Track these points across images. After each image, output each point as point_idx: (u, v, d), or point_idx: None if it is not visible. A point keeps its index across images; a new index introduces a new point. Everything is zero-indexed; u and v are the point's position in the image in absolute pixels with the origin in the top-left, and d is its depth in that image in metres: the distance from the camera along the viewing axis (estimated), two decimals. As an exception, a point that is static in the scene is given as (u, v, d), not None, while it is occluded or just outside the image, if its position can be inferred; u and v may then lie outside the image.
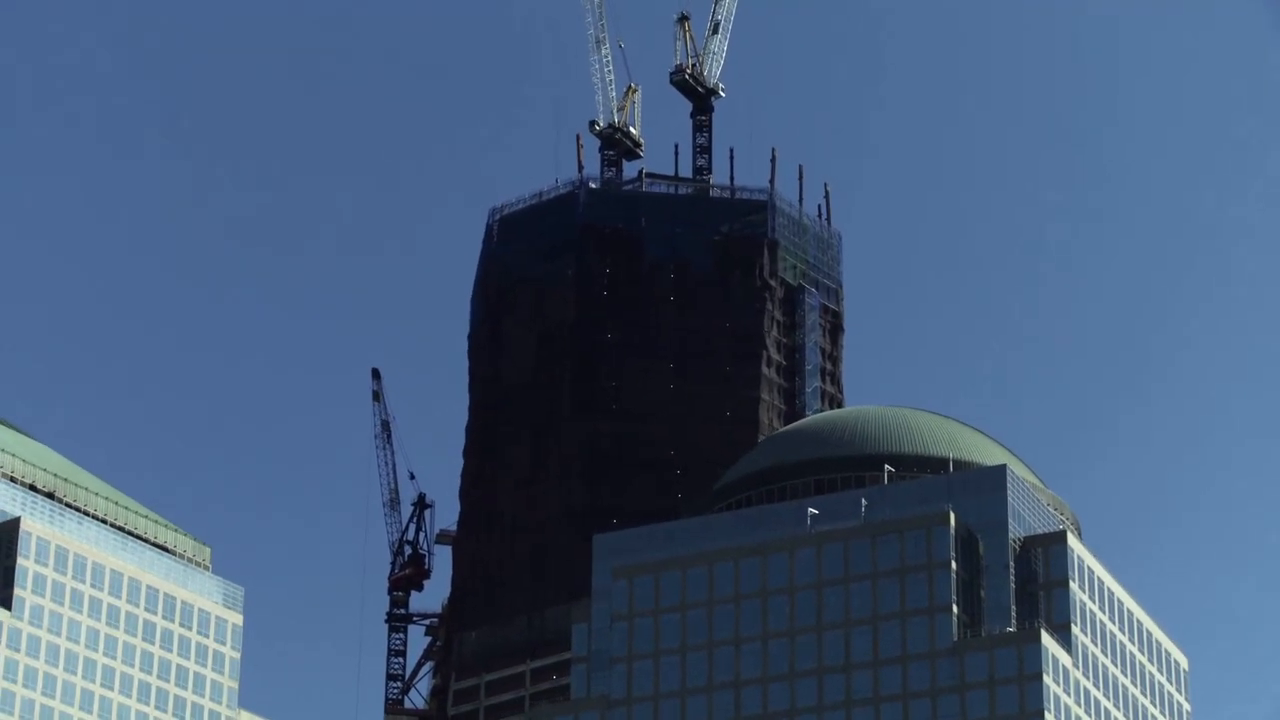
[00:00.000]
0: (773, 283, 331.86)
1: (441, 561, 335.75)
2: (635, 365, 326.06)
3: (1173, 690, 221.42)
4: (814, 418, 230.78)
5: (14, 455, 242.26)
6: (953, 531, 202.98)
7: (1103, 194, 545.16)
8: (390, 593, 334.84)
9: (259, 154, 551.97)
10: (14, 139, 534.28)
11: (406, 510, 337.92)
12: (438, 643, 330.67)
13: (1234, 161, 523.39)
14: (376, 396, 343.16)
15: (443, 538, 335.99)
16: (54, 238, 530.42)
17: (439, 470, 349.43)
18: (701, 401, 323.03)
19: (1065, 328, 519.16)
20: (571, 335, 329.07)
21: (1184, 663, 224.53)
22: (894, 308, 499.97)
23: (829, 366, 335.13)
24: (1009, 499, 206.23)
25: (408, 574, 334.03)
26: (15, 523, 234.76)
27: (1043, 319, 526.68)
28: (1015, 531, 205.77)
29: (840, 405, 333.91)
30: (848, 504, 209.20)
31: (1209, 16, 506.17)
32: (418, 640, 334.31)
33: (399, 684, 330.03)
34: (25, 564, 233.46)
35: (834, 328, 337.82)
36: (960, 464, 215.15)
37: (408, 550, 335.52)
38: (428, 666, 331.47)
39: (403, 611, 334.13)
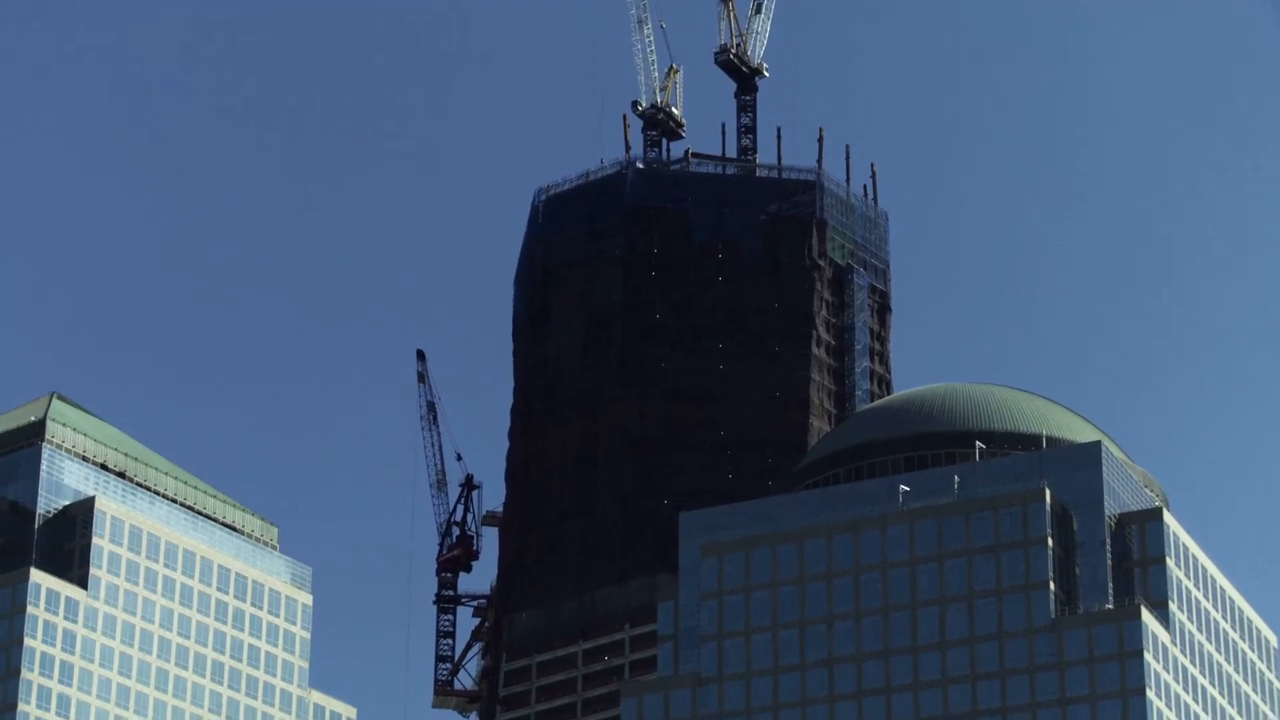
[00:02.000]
0: (821, 263, 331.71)
1: (489, 543, 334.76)
2: (684, 346, 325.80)
3: (1264, 669, 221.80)
4: (901, 394, 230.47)
5: (86, 435, 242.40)
6: (1048, 508, 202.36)
7: (1145, 172, 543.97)
8: (438, 574, 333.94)
9: (311, 138, 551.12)
10: (78, 121, 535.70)
11: (454, 492, 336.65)
12: (486, 624, 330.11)
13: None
14: (422, 378, 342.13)
15: (490, 519, 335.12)
16: (121, 225, 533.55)
17: (485, 452, 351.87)
18: (751, 382, 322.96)
19: (1117, 301, 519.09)
20: (619, 316, 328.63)
21: (1273, 640, 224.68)
22: (941, 287, 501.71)
23: (877, 346, 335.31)
24: (1104, 475, 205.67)
25: (455, 555, 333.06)
26: (90, 502, 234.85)
27: (1093, 294, 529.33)
28: (1110, 508, 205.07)
29: (889, 385, 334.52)
30: (940, 481, 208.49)
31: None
32: (466, 622, 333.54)
33: (448, 665, 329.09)
34: (100, 543, 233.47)
35: (881, 308, 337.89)
36: (1052, 441, 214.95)
37: (455, 532, 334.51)
38: (476, 648, 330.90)
39: (451, 593, 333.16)
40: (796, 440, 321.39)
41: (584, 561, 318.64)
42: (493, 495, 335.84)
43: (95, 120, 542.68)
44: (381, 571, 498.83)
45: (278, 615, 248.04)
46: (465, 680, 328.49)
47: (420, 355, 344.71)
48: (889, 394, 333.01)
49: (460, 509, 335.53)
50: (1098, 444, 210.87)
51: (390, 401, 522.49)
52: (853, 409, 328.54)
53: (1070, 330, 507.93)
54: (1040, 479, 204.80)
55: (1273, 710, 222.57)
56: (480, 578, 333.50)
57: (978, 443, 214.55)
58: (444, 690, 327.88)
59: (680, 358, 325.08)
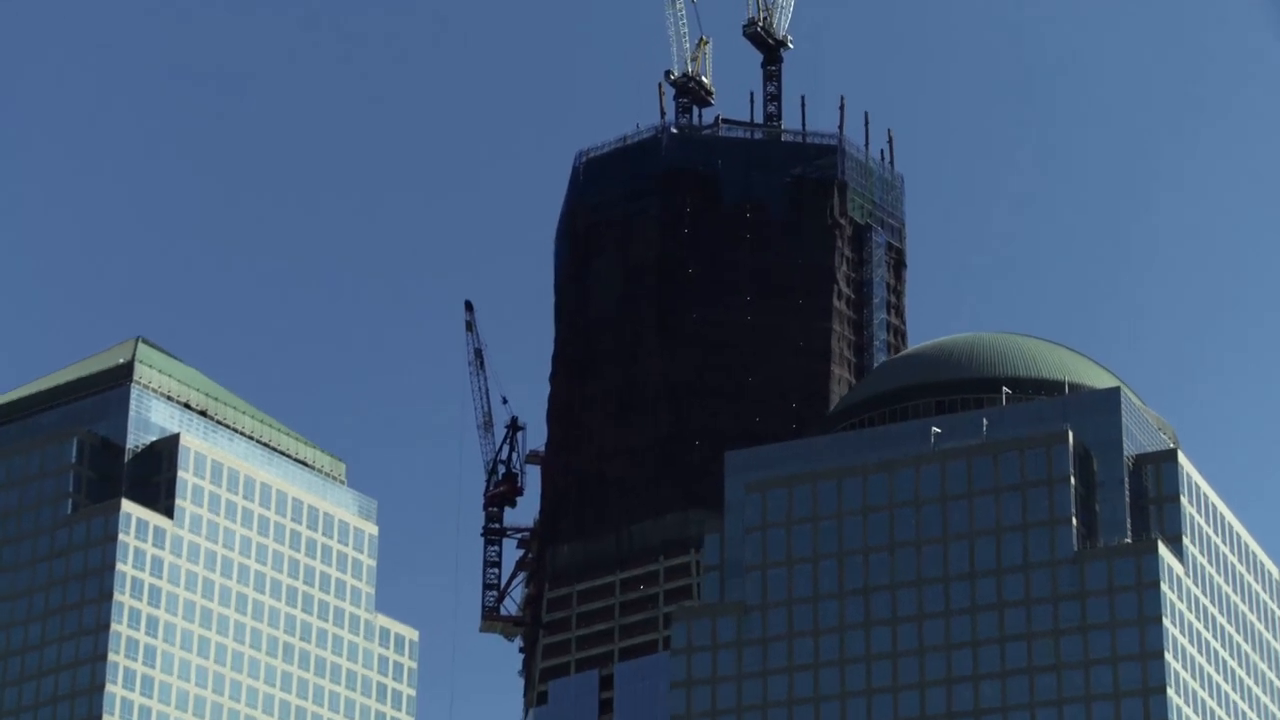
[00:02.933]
0: (842, 222, 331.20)
1: (532, 480, 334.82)
2: (714, 299, 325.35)
3: (1268, 599, 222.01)
4: (931, 343, 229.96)
5: (170, 377, 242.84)
6: (1071, 449, 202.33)
7: (1144, 135, 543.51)
8: (485, 509, 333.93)
9: (376, 105, 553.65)
10: (154, 80, 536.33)
11: (500, 432, 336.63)
12: (529, 555, 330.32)
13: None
14: (469, 327, 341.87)
15: (533, 458, 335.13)
16: (199, 184, 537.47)
17: (529, 395, 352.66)
18: (776, 333, 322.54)
19: (1120, 255, 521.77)
20: (655, 271, 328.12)
21: (1276, 572, 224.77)
22: (952, 245, 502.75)
23: (893, 300, 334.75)
24: (1123, 419, 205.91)
25: (502, 491, 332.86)
26: (175, 438, 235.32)
27: (1095, 250, 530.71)
28: (1128, 449, 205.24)
29: (903, 335, 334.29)
30: (969, 424, 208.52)
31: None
32: (511, 553, 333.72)
33: (495, 593, 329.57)
34: (185, 476, 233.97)
35: (897, 263, 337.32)
36: (1073, 387, 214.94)
37: (501, 470, 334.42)
38: (520, 577, 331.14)
39: (497, 526, 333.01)
40: (819, 387, 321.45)
41: (621, 498, 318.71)
42: (536, 436, 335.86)
43: (171, 80, 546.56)
44: (437, 506, 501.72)
45: (346, 544, 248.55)
46: (510, 607, 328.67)
47: (468, 306, 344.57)
48: (904, 344, 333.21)
49: (506, 448, 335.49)
50: (1117, 390, 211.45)
51: (442, 349, 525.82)
52: (870, 358, 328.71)
53: (1075, 283, 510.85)
54: (1063, 422, 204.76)
55: (1275, 637, 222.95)
56: (524, 512, 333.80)
57: (1004, 388, 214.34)
58: (491, 616, 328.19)
59: (711, 310, 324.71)
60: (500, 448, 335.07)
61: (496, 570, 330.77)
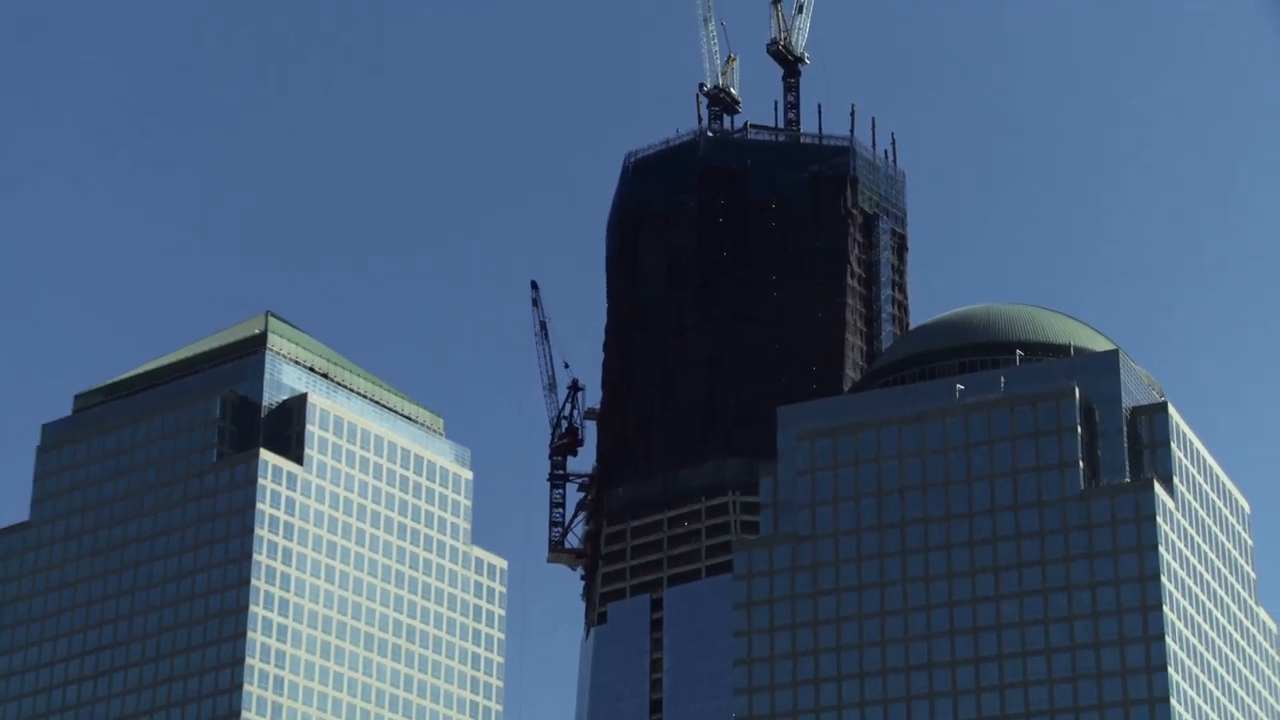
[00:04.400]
0: (854, 212, 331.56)
1: (590, 433, 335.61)
2: (744, 280, 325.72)
3: (1240, 529, 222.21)
4: (952, 312, 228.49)
5: (296, 344, 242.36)
6: (1077, 403, 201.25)
7: (1112, 127, 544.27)
8: (550, 458, 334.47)
9: (457, 112, 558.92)
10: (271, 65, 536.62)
11: (562, 393, 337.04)
12: (589, 497, 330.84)
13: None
14: (535, 303, 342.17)
15: (590, 414, 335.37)
16: (311, 174, 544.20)
17: (586, 361, 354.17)
18: (798, 307, 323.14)
19: (1094, 235, 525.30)
20: (693, 256, 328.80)
21: (1247, 506, 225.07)
22: (946, 231, 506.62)
23: (897, 279, 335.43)
24: (1121, 377, 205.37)
25: (565, 443, 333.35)
26: (303, 397, 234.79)
27: (1066, 237, 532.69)
28: (1126, 403, 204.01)
29: (906, 309, 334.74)
30: (988, 381, 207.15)
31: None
32: (573, 495, 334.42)
33: (559, 529, 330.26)
34: (312, 429, 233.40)
35: (900, 248, 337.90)
36: (1078, 350, 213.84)
37: (564, 424, 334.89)
38: (581, 516, 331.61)
39: (561, 473, 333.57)
40: (834, 353, 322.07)
41: (667, 448, 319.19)
42: (593, 395, 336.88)
43: (300, 83, 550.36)
44: (515, 454, 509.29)
45: (445, 487, 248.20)
46: (573, 541, 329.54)
47: (534, 285, 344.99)
48: (907, 316, 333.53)
49: (568, 406, 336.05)
50: (1115, 352, 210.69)
51: (514, 322, 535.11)
52: (879, 329, 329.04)
53: (1049, 262, 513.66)
54: (1070, 380, 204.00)
55: (1247, 561, 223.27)
56: (584, 460, 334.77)
57: (1018, 351, 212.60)
58: (556, 549, 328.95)
59: (742, 289, 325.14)
60: (563, 406, 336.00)
61: (561, 510, 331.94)
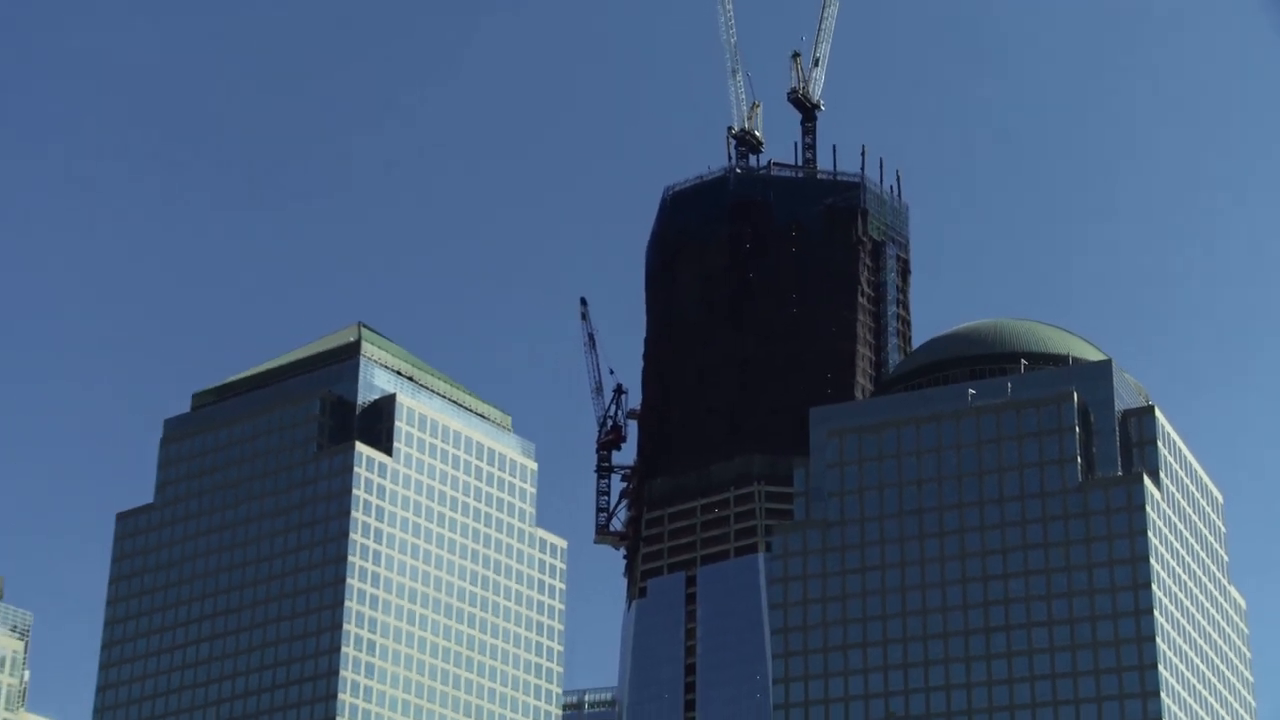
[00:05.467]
0: (864, 239, 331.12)
1: (632, 431, 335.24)
2: (769, 298, 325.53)
3: (1215, 517, 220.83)
4: (963, 326, 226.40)
5: (385, 351, 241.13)
6: (1075, 406, 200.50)
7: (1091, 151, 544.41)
8: (597, 452, 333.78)
9: (521, 148, 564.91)
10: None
11: (608, 395, 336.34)
12: (631, 486, 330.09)
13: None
14: (584, 317, 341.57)
15: (632, 414, 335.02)
16: (400, 198, 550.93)
17: (629, 368, 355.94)
18: (815, 322, 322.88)
19: (1075, 259, 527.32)
20: (724, 277, 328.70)
21: (1220, 497, 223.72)
22: (945, 256, 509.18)
23: (901, 298, 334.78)
24: (1113, 384, 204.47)
25: (610, 439, 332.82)
26: (392, 397, 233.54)
27: (1059, 258, 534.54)
28: (1118, 407, 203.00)
29: (909, 324, 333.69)
30: (996, 387, 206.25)
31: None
32: (617, 485, 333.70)
33: (605, 514, 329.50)
34: (400, 425, 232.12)
35: (904, 271, 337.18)
36: (1075, 359, 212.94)
37: (609, 423, 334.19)
38: (624, 503, 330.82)
39: (607, 465, 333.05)
40: (847, 362, 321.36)
41: (701, 444, 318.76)
42: (634, 398, 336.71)
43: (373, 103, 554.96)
44: (573, 447, 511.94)
45: (513, 476, 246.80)
46: (617, 525, 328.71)
47: (583, 301, 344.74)
48: (910, 331, 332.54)
49: (613, 407, 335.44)
50: (1108, 362, 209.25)
51: (566, 333, 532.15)
52: (885, 341, 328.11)
53: (1030, 283, 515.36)
54: (1068, 386, 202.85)
55: (1221, 545, 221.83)
56: (626, 454, 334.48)
57: (1022, 360, 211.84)
58: (602, 532, 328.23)
59: (766, 306, 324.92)
60: (608, 407, 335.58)
61: (606, 498, 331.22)
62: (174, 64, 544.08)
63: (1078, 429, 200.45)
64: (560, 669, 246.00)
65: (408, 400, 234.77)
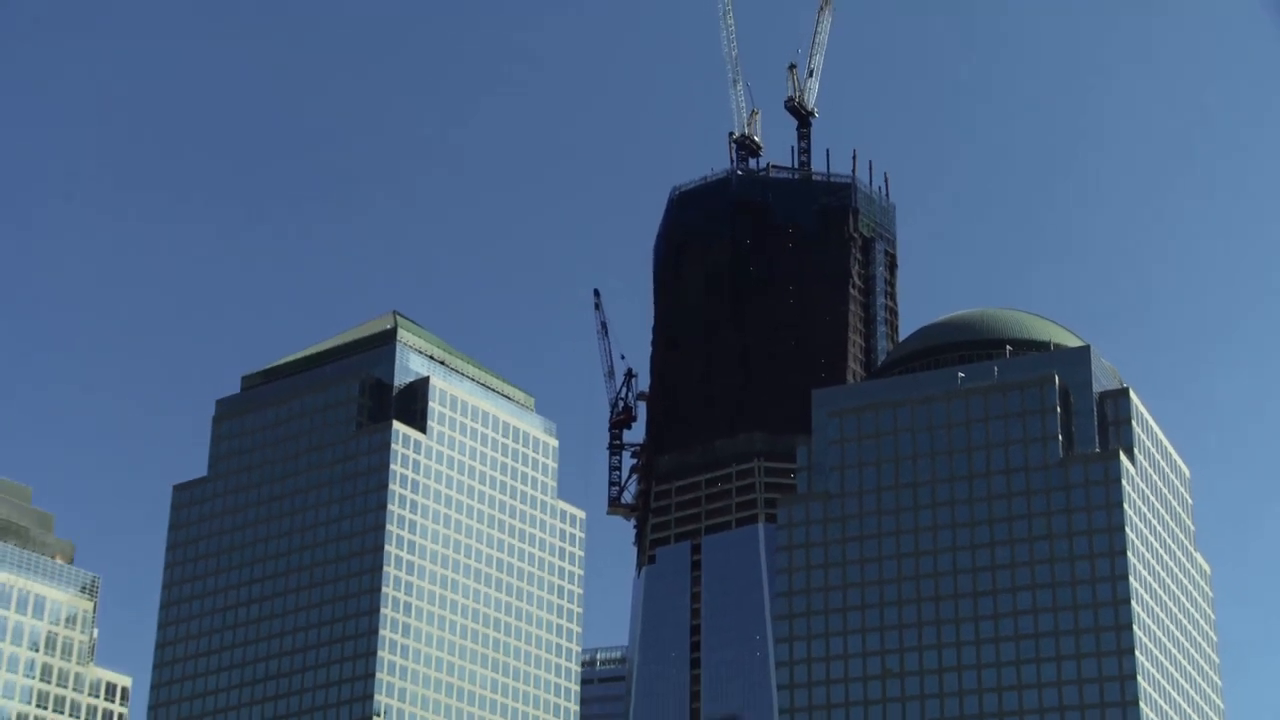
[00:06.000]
0: (855, 236, 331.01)
1: (641, 412, 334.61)
2: (768, 290, 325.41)
3: (1182, 489, 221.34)
4: (950, 316, 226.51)
5: (419, 337, 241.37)
6: (1057, 388, 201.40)
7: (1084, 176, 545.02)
8: (610, 430, 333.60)
9: (535, 158, 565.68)
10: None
11: (619, 379, 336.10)
12: (641, 462, 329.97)
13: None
14: (598, 307, 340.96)
15: (641, 396, 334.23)
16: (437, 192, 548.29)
17: (638, 354, 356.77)
18: (810, 313, 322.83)
19: (1043, 254, 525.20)
20: (726, 271, 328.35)
21: (1187, 472, 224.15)
22: (929, 252, 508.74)
23: (888, 290, 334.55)
24: (1092, 368, 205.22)
25: (621, 419, 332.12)
26: (426, 380, 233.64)
27: (1033, 253, 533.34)
28: (1095, 389, 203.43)
29: (896, 314, 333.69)
30: (984, 371, 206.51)
31: None
32: (627, 461, 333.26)
33: (617, 488, 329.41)
34: (433, 405, 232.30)
35: (891, 265, 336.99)
36: (1056, 345, 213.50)
37: (621, 404, 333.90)
38: (634, 478, 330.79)
39: (618, 443, 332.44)
40: (839, 349, 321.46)
41: (705, 423, 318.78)
42: (643, 381, 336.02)
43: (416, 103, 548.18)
44: (586, 427, 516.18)
45: (536, 452, 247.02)
46: (627, 498, 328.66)
47: (596, 293, 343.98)
48: (897, 320, 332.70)
49: (624, 389, 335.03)
50: (1087, 348, 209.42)
51: (581, 323, 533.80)
52: (875, 330, 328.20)
53: (1003, 277, 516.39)
54: (1050, 370, 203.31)
55: (1188, 515, 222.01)
56: (637, 433, 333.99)
57: (1007, 346, 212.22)
58: (614, 504, 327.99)
59: (766, 298, 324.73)
60: (620, 389, 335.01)
61: (618, 473, 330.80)
62: (223, 60, 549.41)
63: (1058, 409, 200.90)
64: (579, 629, 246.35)
65: (440, 383, 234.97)
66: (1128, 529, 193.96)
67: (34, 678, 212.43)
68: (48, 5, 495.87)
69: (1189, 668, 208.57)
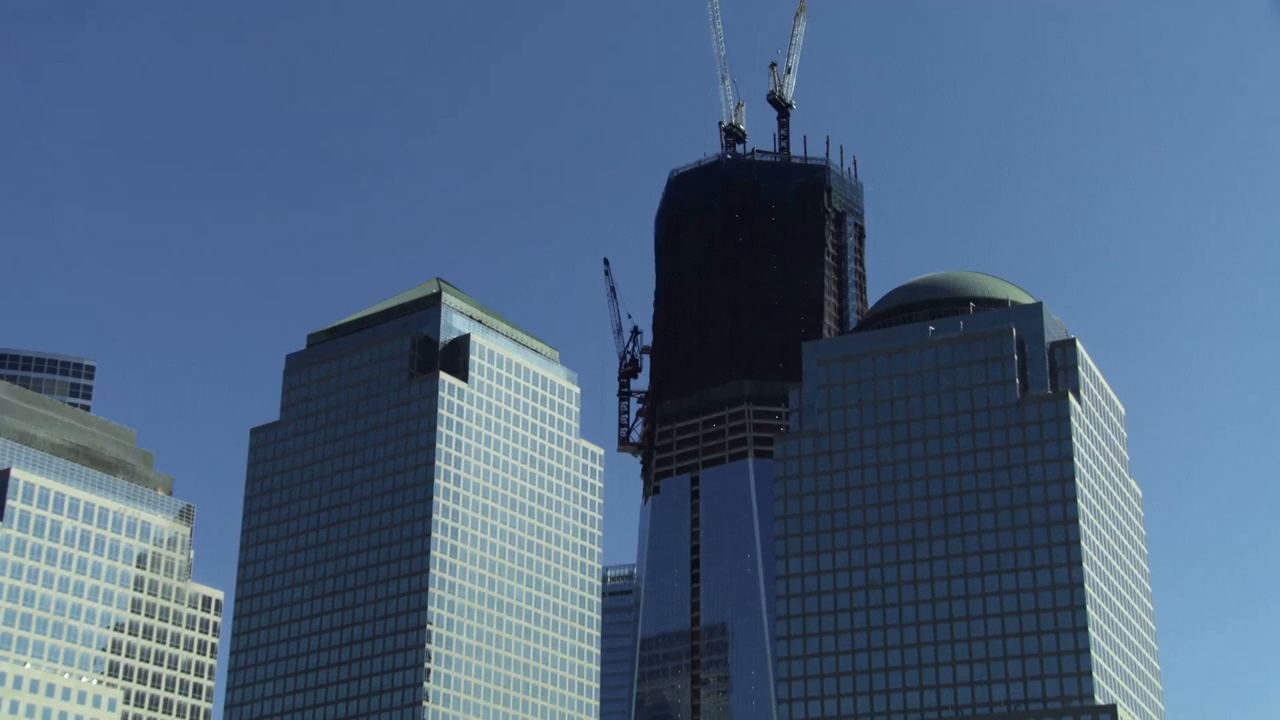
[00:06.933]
0: (829, 210, 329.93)
1: (645, 363, 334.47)
2: (755, 257, 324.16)
3: (1119, 425, 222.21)
4: (920, 278, 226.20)
5: (460, 299, 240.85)
6: (1014, 339, 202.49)
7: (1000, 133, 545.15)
8: (619, 379, 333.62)
9: (557, 143, 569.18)
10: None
11: (626, 335, 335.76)
12: (645, 407, 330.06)
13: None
14: (607, 273, 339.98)
15: (645, 350, 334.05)
16: (475, 160, 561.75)
17: (642, 313, 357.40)
18: (791, 277, 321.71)
19: (993, 225, 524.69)
20: (719, 241, 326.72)
21: (1123, 409, 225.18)
22: (893, 225, 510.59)
23: (858, 257, 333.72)
24: (1043, 322, 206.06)
25: (628, 369, 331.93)
26: (467, 336, 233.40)
27: (981, 226, 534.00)
28: (1046, 339, 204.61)
29: (864, 279, 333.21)
30: (951, 325, 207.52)
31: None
32: (634, 406, 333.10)
33: (625, 428, 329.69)
34: (474, 359, 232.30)
35: (860, 236, 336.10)
36: (1013, 303, 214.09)
37: (628, 357, 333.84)
38: (640, 420, 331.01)
39: (626, 390, 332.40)
40: (816, 308, 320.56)
41: (700, 373, 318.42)
42: (647, 337, 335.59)
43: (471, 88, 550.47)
44: (603, 377, 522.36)
45: (561, 398, 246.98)
46: (635, 437, 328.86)
47: (606, 261, 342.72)
48: (865, 284, 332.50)
49: (630, 344, 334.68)
50: (1039, 304, 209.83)
51: (593, 287, 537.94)
52: (846, 291, 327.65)
53: (960, 244, 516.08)
54: (1008, 324, 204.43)
55: (1123, 447, 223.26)
56: (642, 382, 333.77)
57: (971, 303, 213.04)
58: (623, 442, 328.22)
59: (753, 264, 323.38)
60: (627, 344, 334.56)
61: (626, 415, 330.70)
62: (271, 44, 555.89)
63: (1015, 357, 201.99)
64: (600, 549, 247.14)
65: (479, 339, 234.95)
66: (1075, 459, 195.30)
67: (142, 591, 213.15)
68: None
69: (1125, 575, 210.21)
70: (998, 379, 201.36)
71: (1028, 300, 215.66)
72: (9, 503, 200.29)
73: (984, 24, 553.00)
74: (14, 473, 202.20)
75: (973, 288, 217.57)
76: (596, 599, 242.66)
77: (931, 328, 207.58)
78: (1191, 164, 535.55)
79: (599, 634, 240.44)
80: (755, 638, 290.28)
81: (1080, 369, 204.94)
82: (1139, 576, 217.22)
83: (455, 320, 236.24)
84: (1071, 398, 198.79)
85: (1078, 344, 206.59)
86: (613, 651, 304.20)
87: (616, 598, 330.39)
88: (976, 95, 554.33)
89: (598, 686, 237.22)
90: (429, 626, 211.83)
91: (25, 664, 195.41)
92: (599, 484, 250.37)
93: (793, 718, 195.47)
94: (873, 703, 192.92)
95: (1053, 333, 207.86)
